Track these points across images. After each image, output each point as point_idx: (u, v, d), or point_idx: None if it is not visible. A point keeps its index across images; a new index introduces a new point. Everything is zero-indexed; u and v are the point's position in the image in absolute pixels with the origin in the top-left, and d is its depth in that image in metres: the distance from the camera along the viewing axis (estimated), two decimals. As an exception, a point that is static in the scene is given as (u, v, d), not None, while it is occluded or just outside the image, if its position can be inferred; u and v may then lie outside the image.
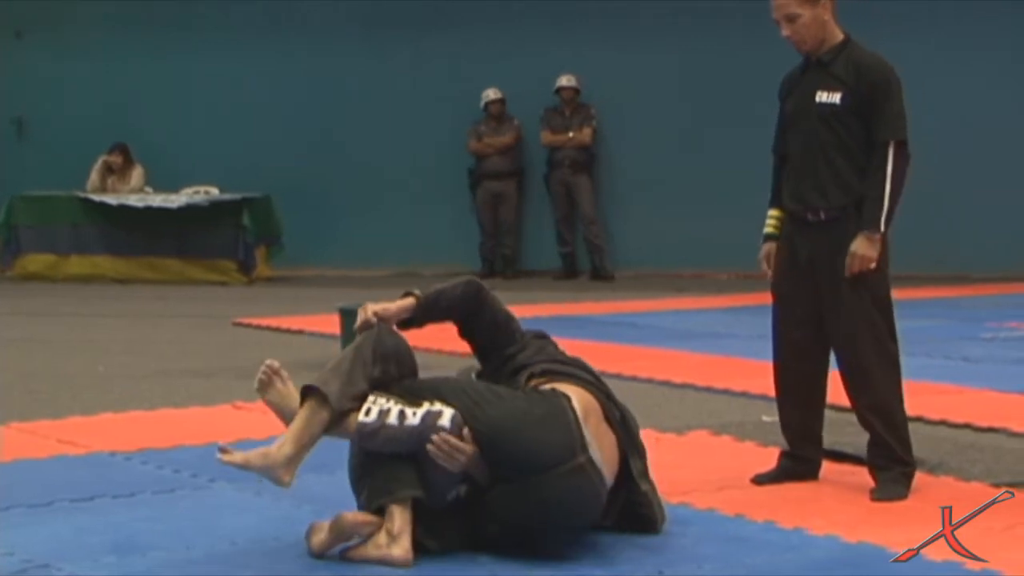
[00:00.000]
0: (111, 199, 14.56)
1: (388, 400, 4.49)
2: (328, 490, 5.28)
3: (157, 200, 14.52)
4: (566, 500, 4.45)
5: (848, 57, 5.47)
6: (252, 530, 4.83)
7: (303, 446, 4.53)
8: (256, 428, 6.42)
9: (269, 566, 4.45)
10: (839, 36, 5.52)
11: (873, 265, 5.40)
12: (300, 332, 10.38)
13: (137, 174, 15.03)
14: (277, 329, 10.60)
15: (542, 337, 5.03)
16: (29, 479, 5.62)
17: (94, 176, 14.97)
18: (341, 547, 4.51)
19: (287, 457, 4.50)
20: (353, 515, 4.52)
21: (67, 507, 5.16)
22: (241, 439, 6.36)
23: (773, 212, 5.72)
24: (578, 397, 4.60)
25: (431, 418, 4.43)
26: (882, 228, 5.40)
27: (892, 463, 5.44)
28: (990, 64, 14.66)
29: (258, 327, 10.75)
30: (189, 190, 14.63)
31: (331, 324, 9.13)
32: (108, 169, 15.03)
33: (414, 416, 4.44)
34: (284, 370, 4.71)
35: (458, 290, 4.86)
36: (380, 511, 4.49)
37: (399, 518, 4.44)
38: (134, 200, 14.54)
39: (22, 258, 14.72)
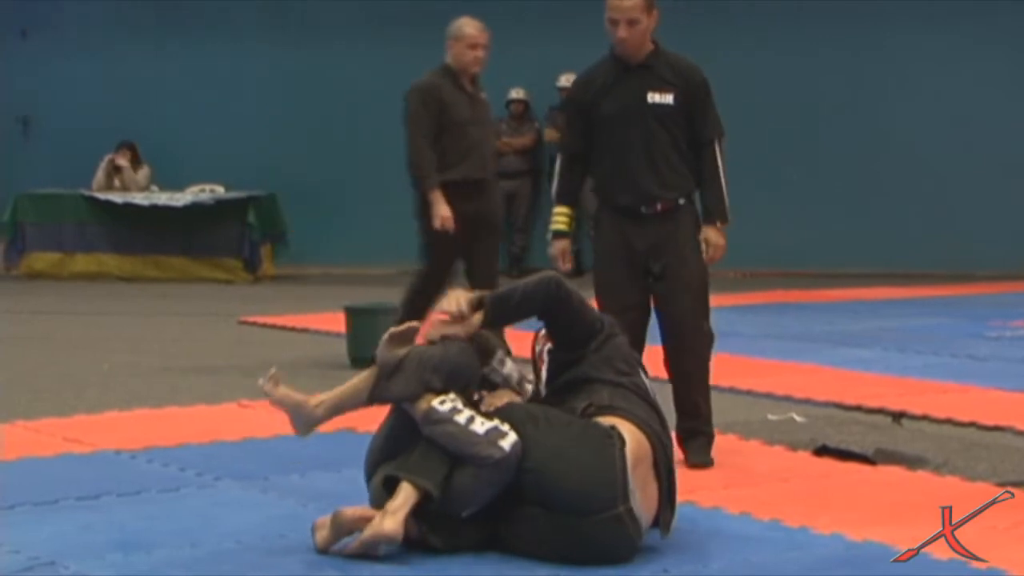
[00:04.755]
0: (117, 197, 14.57)
1: (463, 405, 4.52)
2: (334, 487, 5.29)
3: (162, 198, 14.53)
4: (599, 545, 4.46)
5: (667, 62, 5.91)
6: (257, 528, 4.83)
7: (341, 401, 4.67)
8: (261, 426, 6.43)
9: (274, 564, 4.45)
10: (651, 43, 5.91)
11: (723, 252, 5.91)
12: (305, 330, 10.38)
13: (143, 173, 15.04)
14: (282, 327, 10.60)
15: (613, 335, 4.96)
16: (35, 477, 5.63)
17: (100, 175, 14.98)
18: (344, 545, 4.50)
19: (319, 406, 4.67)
20: (352, 510, 4.51)
21: (73, 505, 5.16)
22: (246, 437, 6.39)
23: (564, 209, 6.12)
24: (634, 442, 4.56)
25: (495, 435, 4.44)
26: (728, 218, 5.90)
27: (701, 429, 5.89)
28: (998, 62, 14.65)
29: (263, 325, 10.75)
30: (194, 188, 14.64)
31: (337, 322, 9.14)
32: (115, 168, 15.04)
33: (481, 426, 4.46)
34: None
35: (533, 290, 4.79)
36: (391, 487, 4.47)
37: (402, 497, 4.42)
38: (140, 198, 14.54)
39: (28, 256, 14.72)
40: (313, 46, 15.56)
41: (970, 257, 14.39)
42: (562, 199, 6.13)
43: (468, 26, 8.23)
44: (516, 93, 15.01)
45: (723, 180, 5.90)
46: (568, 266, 6.03)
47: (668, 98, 5.84)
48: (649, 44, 5.90)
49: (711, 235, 5.88)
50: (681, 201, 5.89)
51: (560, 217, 6.12)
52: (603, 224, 6.08)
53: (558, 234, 6.11)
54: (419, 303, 7.70)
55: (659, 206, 5.86)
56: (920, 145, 14.71)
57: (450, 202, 7.85)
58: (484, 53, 8.18)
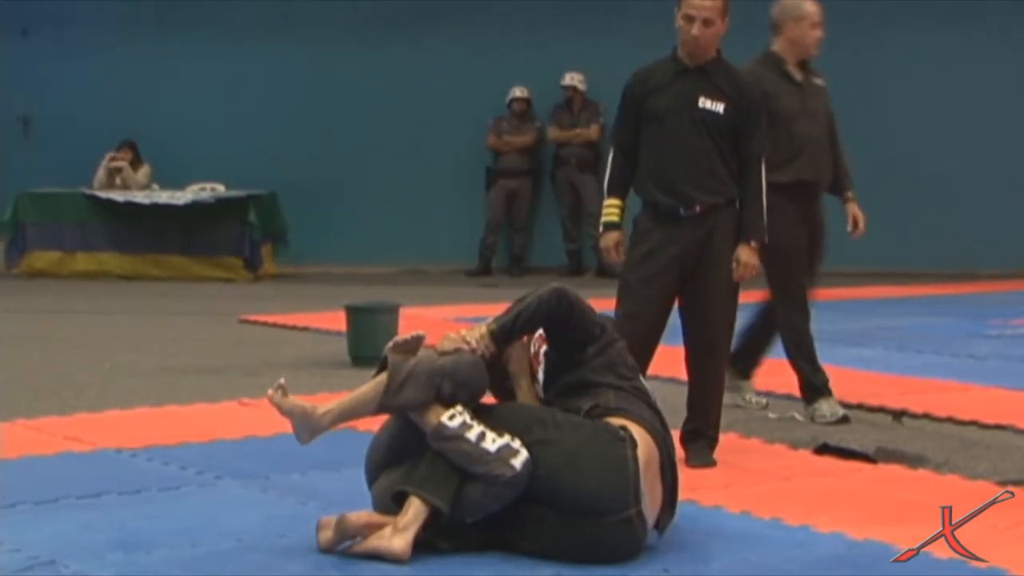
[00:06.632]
0: (117, 196, 14.56)
1: (472, 419, 4.50)
2: (335, 486, 5.29)
3: (163, 197, 14.52)
4: (608, 546, 4.46)
5: (727, 72, 5.90)
6: (257, 527, 4.83)
7: (349, 409, 4.69)
8: (261, 425, 6.43)
9: (275, 564, 4.44)
10: (716, 50, 5.91)
11: (755, 272, 5.95)
12: (306, 329, 10.38)
13: (144, 171, 15.05)
14: (283, 326, 10.59)
15: (614, 341, 4.94)
16: (35, 476, 5.62)
17: (101, 173, 14.98)
18: (347, 546, 4.50)
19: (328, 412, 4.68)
20: (356, 516, 4.51)
21: (73, 504, 5.16)
22: (246, 436, 6.39)
23: (615, 201, 6.02)
24: (644, 444, 4.57)
25: (506, 452, 4.43)
26: (765, 239, 5.91)
27: (706, 432, 5.92)
28: (999, 63, 14.64)
29: (264, 324, 10.74)
30: (195, 187, 14.63)
31: (337, 321, 9.13)
32: (116, 168, 15.03)
33: (492, 443, 4.44)
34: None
35: (535, 309, 4.78)
36: (399, 500, 4.47)
37: (412, 513, 4.43)
38: (140, 197, 14.53)
39: (29, 255, 14.70)
40: (313, 46, 15.56)
41: (970, 256, 14.38)
42: (613, 191, 6.05)
43: (809, 3, 6.94)
44: (518, 91, 15.01)
45: (762, 198, 5.88)
46: (620, 258, 6.00)
47: (719, 107, 5.82)
48: (714, 50, 5.89)
49: (743, 254, 5.88)
50: (721, 203, 5.85)
51: (611, 209, 6.04)
52: (642, 226, 5.98)
53: (609, 226, 6.04)
54: (801, 328, 6.99)
55: (698, 208, 5.83)
56: (920, 145, 14.70)
57: (780, 207, 6.35)
58: (823, 33, 6.96)
